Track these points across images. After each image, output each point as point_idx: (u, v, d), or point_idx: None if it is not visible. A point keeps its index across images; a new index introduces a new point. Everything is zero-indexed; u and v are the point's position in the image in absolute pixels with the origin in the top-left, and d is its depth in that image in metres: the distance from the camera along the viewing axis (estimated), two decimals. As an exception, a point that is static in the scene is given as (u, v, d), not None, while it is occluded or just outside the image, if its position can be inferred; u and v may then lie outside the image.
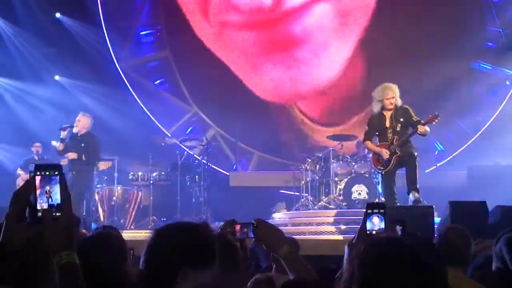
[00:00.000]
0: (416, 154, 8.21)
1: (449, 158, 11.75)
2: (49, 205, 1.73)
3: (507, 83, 12.45)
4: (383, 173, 8.33)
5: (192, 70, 12.50)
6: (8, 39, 12.05)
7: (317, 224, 9.09)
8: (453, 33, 12.49)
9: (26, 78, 11.87)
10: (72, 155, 9.12)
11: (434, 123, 8.21)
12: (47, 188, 1.73)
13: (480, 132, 12.18)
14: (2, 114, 11.37)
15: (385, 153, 8.10)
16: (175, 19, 12.70)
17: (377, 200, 9.38)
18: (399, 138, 8.11)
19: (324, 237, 8.36)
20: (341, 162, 10.15)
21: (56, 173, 1.77)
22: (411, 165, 8.14)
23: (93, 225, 9.83)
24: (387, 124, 8.23)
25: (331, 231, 8.62)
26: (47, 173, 1.75)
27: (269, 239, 2.50)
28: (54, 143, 9.39)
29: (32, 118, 11.39)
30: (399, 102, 8.24)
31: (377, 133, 8.42)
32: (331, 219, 9.16)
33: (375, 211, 2.22)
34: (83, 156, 9.16)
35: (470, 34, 12.44)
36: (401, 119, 8.14)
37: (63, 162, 9.04)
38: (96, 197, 10.29)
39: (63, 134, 9.12)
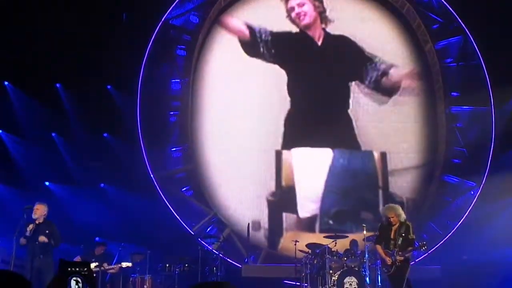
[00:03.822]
0: (410, 262, 8.24)
1: (425, 255, 11.36)
2: None
3: (471, 192, 12.45)
4: (388, 274, 8.26)
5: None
6: (63, 152, 12.18)
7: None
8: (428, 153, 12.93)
9: (77, 184, 11.87)
10: (43, 238, 8.62)
11: (422, 250, 8.61)
12: (77, 280, 1.64)
13: (450, 234, 12.09)
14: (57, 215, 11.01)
15: (388, 261, 8.13)
16: (199, 140, 12.91)
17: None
18: (400, 250, 8.08)
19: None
20: (334, 257, 9.97)
21: (85, 269, 1.69)
22: (403, 271, 8.08)
23: None
24: (392, 236, 8.26)
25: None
26: (77, 269, 1.67)
27: None
28: (22, 241, 8.69)
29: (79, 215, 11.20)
30: (403, 218, 8.27)
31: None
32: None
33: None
34: (51, 241, 8.72)
35: (440, 152, 12.78)
36: (403, 234, 8.16)
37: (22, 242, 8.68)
38: (130, 284, 10.11)
39: (29, 230, 8.63)
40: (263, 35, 12.95)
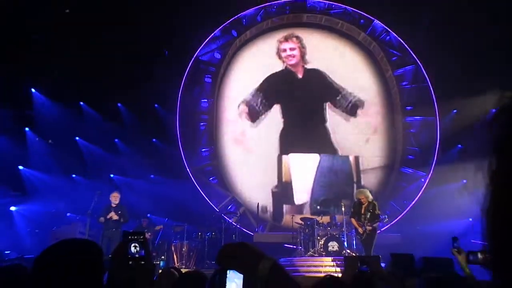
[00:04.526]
0: (377, 231, 8.30)
1: (388, 226, 11.35)
2: (137, 257, 1.66)
3: (422, 180, 12.41)
4: (361, 240, 8.36)
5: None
6: (123, 153, 12.26)
7: (307, 266, 8.91)
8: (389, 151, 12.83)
9: (133, 176, 11.88)
10: (115, 217, 8.88)
11: (385, 222, 8.93)
12: (135, 245, 1.67)
13: (406, 211, 12.06)
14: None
15: (360, 230, 8.25)
16: (221, 143, 12.94)
17: (344, 252, 9.23)
18: (369, 222, 8.18)
19: (312, 274, 8.04)
20: (321, 227, 9.97)
21: (141, 236, 1.71)
22: (372, 238, 8.17)
23: (162, 263, 9.58)
24: (362, 211, 8.37)
25: (317, 270, 8.37)
26: (135, 237, 1.69)
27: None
28: (101, 219, 9.04)
29: (134, 198, 11.13)
30: (370, 198, 8.36)
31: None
32: (316, 263, 8.99)
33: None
34: (121, 219, 8.93)
35: (398, 151, 12.70)
36: (371, 210, 8.19)
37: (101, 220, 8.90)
38: (172, 248, 10.12)
39: (110, 216, 8.88)
40: (259, 101, 12.89)
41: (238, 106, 12.94)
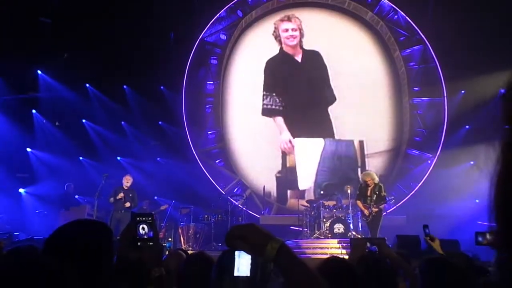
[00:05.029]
0: (382, 213, 8.31)
1: (394, 208, 11.29)
2: (145, 238, 1.68)
3: (429, 162, 12.32)
4: (366, 222, 8.36)
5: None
6: (130, 136, 12.28)
7: (313, 248, 8.94)
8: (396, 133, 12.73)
9: (140, 158, 11.88)
10: (127, 204, 8.95)
11: (391, 203, 8.91)
12: (144, 226, 1.69)
13: (412, 192, 12.01)
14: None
15: (366, 212, 8.23)
16: (227, 125, 12.90)
17: (349, 234, 9.27)
18: (375, 203, 8.18)
19: (318, 256, 8.09)
20: (326, 209, 9.96)
21: (150, 218, 1.73)
22: (378, 219, 8.18)
23: (168, 244, 9.67)
24: (368, 193, 8.36)
25: (322, 252, 8.43)
26: (144, 218, 1.72)
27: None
28: (111, 199, 9.11)
29: (141, 181, 11.18)
30: (377, 181, 8.35)
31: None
32: (322, 245, 9.02)
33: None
34: (132, 204, 9.01)
35: (405, 133, 12.62)
36: (377, 192, 8.17)
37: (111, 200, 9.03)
38: (179, 230, 10.21)
39: (120, 197, 8.94)
40: (276, 99, 12.64)
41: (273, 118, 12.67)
